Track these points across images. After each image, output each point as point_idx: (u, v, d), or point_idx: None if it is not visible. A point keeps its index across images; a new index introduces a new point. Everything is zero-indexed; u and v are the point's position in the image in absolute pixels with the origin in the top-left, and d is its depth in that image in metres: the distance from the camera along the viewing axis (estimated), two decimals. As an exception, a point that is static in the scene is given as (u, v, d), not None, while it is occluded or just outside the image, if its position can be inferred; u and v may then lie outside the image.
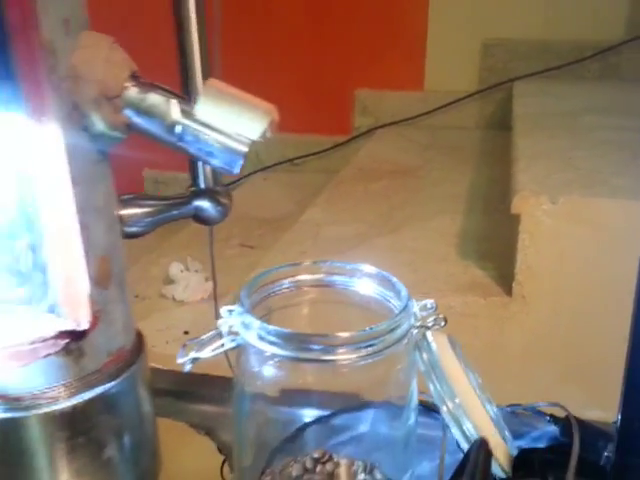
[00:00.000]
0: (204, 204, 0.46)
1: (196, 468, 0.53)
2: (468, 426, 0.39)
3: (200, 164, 0.47)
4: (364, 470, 0.48)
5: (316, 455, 0.49)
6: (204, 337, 0.42)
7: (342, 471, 0.48)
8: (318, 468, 0.49)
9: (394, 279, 0.42)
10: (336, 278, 0.44)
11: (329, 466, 0.49)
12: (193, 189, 0.47)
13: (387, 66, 1.94)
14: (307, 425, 0.49)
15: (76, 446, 0.41)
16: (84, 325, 0.38)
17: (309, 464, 0.49)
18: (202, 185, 0.47)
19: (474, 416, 0.39)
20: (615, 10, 1.73)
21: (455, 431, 0.40)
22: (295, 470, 0.48)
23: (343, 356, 0.38)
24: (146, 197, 0.45)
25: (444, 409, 0.40)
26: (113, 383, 0.42)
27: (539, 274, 0.91)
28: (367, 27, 1.91)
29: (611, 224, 0.87)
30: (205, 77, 0.44)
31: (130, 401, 0.44)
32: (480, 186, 1.44)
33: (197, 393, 0.61)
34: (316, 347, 0.38)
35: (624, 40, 1.71)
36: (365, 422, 0.47)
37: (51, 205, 0.36)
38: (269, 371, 0.40)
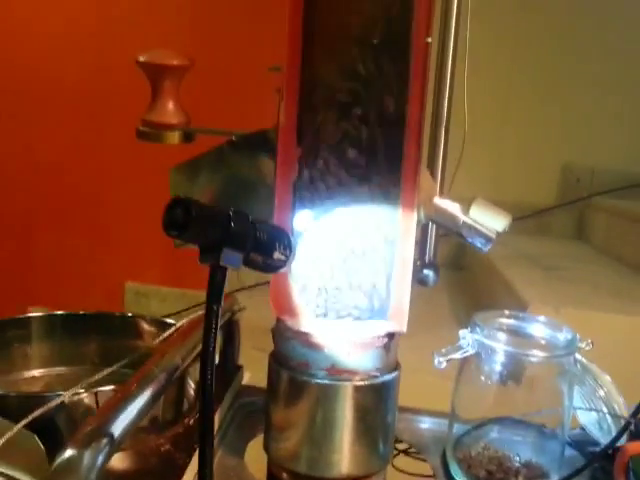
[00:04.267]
0: (429, 272, 0.75)
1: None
2: (615, 406, 0.67)
3: (427, 247, 0.75)
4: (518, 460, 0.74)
5: (482, 444, 0.75)
6: (449, 348, 0.69)
7: (501, 456, 0.74)
8: (485, 452, 0.75)
9: (558, 322, 0.71)
10: (521, 323, 0.73)
11: (492, 452, 0.75)
12: (419, 262, 0.75)
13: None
14: (480, 425, 0.75)
15: (369, 411, 0.65)
16: (403, 330, 0.64)
17: (480, 449, 0.75)
18: (427, 260, 0.75)
19: (617, 400, 0.68)
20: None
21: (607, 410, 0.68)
22: (472, 451, 0.74)
23: (541, 353, 0.66)
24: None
25: (597, 395, 0.68)
26: (395, 374, 0.67)
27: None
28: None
29: (596, 327, 1.21)
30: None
31: (395, 391, 0.68)
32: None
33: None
34: (527, 348, 0.67)
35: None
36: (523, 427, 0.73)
37: (401, 254, 0.63)
38: (494, 364, 0.68)
